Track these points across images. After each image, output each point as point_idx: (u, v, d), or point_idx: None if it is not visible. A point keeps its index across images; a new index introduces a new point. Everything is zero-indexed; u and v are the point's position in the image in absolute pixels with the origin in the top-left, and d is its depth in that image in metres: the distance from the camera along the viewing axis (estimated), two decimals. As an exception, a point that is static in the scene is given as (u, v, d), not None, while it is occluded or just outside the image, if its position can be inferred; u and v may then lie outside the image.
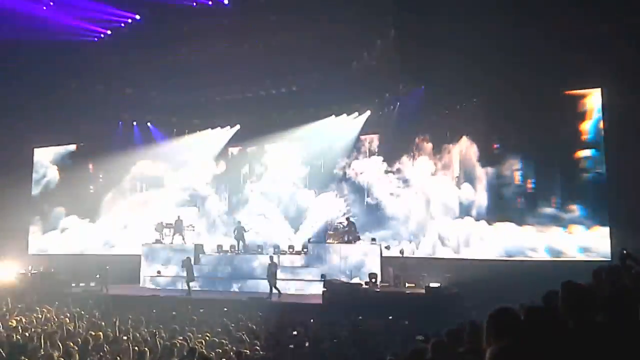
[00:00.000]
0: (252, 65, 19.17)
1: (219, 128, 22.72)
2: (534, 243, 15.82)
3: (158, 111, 21.97)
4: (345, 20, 16.95)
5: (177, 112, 22.02)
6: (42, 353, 7.57)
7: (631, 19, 13.02)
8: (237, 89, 20.86)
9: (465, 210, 17.42)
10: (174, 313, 13.00)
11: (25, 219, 24.93)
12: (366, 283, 16.03)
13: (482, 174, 17.20)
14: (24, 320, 11.88)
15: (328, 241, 18.62)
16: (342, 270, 17.54)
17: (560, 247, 15.43)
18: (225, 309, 13.78)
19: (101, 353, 8.02)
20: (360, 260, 17.57)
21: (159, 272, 20.21)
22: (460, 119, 17.75)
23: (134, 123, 23.66)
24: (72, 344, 8.43)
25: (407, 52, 17.06)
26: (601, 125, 15.31)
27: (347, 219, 18.90)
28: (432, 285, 14.86)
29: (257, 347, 8.71)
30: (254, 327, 11.17)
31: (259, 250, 19.62)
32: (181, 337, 9.12)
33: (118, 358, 7.77)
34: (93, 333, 9.22)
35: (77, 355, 7.80)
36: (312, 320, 11.96)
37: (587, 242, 15.02)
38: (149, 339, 9.12)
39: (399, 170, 19.26)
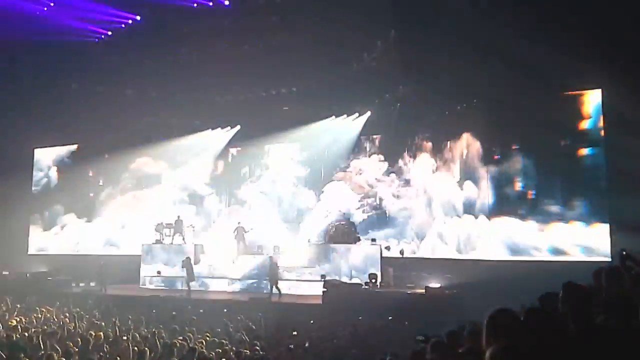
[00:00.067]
0: (252, 66, 19.16)
1: (219, 128, 22.71)
2: (535, 242, 15.84)
3: (158, 111, 21.97)
4: (345, 21, 16.93)
5: (177, 113, 22.03)
6: (42, 353, 7.56)
7: (631, 18, 13.02)
8: (237, 90, 20.85)
9: (465, 209, 17.43)
10: (174, 313, 13.00)
11: (25, 219, 24.93)
12: (366, 283, 16.03)
13: (483, 173, 17.22)
14: (24, 320, 11.89)
15: (328, 241, 18.62)
16: (342, 271, 17.54)
17: (561, 245, 15.45)
18: (225, 310, 13.79)
19: (101, 353, 8.02)
20: (360, 261, 17.57)
21: (159, 272, 20.21)
22: (460, 120, 17.76)
23: (134, 123, 23.65)
24: (71, 344, 8.45)
25: (407, 53, 17.07)
26: (601, 124, 15.33)
27: (347, 219, 18.90)
28: (432, 285, 14.87)
29: (257, 348, 8.72)
30: (254, 327, 11.18)
31: (259, 250, 19.63)
32: (181, 337, 9.13)
33: (118, 358, 7.77)
34: (93, 333, 9.23)
35: (77, 356, 7.81)
36: (312, 321, 11.97)
37: (588, 241, 15.04)
38: (148, 338, 9.12)
39: (399, 171, 19.27)
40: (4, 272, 20.61)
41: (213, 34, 19.06)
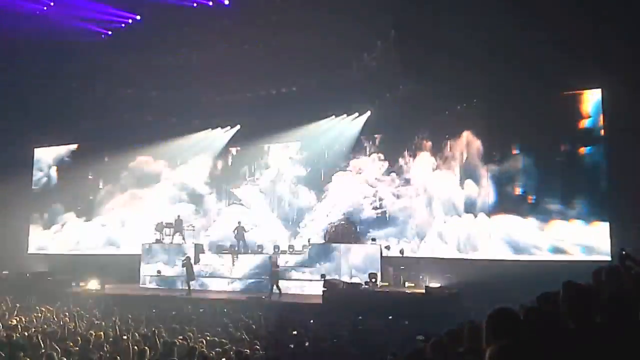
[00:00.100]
0: (252, 66, 19.17)
1: (219, 128, 22.73)
2: (535, 240, 15.84)
3: (158, 111, 21.97)
4: (345, 21, 16.95)
5: (177, 112, 22.03)
6: (42, 352, 7.57)
7: (631, 18, 13.03)
8: (237, 89, 20.85)
9: (465, 209, 17.43)
10: (174, 312, 13.02)
11: (25, 218, 24.95)
12: (366, 283, 16.05)
13: (483, 172, 17.22)
14: (24, 319, 11.89)
15: (328, 241, 18.63)
16: (342, 270, 17.56)
17: (562, 244, 15.45)
18: (225, 309, 13.80)
19: (101, 352, 8.02)
20: (360, 260, 17.58)
21: (159, 271, 20.23)
22: (460, 119, 17.76)
23: (134, 123, 23.66)
24: (72, 343, 8.45)
25: (407, 53, 17.07)
26: (601, 123, 15.34)
27: (347, 218, 18.91)
28: (432, 285, 14.89)
29: (257, 347, 8.72)
30: (254, 326, 11.19)
31: (259, 250, 19.65)
32: (181, 337, 9.13)
33: (118, 357, 7.77)
34: (93, 332, 9.23)
35: (77, 355, 7.82)
36: (312, 321, 11.98)
37: (588, 239, 15.04)
38: (149, 338, 9.12)
39: (399, 170, 19.28)
40: (4, 272, 20.63)
41: (213, 34, 19.07)
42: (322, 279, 16.55)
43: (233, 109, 21.28)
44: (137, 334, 9.48)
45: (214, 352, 7.99)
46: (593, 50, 13.48)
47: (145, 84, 21.25)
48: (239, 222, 20.18)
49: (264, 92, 20.66)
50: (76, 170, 24.44)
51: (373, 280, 16.11)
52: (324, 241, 18.87)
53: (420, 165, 18.80)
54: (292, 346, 8.63)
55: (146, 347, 7.93)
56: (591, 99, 15.65)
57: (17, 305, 14.27)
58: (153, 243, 20.84)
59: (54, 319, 12.20)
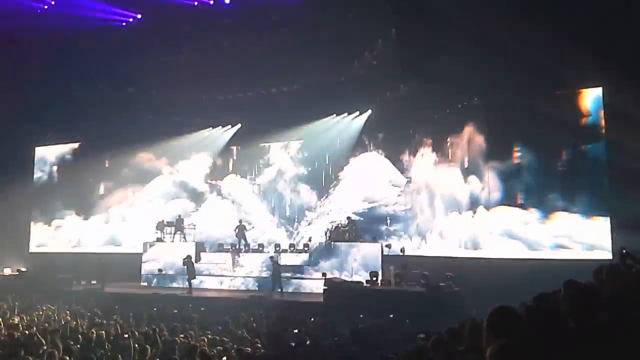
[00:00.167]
0: (253, 64, 19.18)
1: (220, 127, 22.75)
2: (537, 237, 15.81)
3: (159, 110, 21.98)
4: (346, 20, 16.94)
5: (178, 111, 22.04)
6: (44, 350, 7.58)
7: (631, 17, 13.00)
8: (238, 88, 20.87)
9: (466, 206, 17.40)
10: (175, 311, 13.04)
11: (26, 217, 24.98)
12: (367, 281, 16.05)
13: (484, 170, 17.19)
14: (25, 318, 11.92)
15: (329, 240, 18.64)
16: (343, 269, 17.57)
17: (563, 242, 15.43)
18: (226, 307, 13.81)
19: (102, 351, 8.04)
20: (361, 259, 17.59)
21: (160, 270, 20.26)
22: (461, 118, 17.74)
23: (135, 122, 23.68)
24: (73, 342, 8.46)
25: (408, 51, 17.05)
26: (602, 122, 15.32)
27: (348, 217, 18.92)
28: (433, 283, 14.87)
29: (258, 345, 8.73)
30: (255, 324, 11.20)
31: (260, 248, 19.66)
32: (182, 335, 9.15)
33: (119, 356, 7.78)
34: (94, 331, 9.25)
35: (78, 353, 7.83)
36: (312, 319, 11.98)
37: (590, 237, 15.00)
38: (150, 336, 9.14)
39: (400, 169, 19.27)
40: (4, 270, 20.68)
41: (214, 32, 19.06)
42: (323, 277, 16.57)
43: (234, 107, 21.28)
44: (138, 333, 9.50)
45: (215, 351, 7.99)
46: (593, 49, 13.45)
47: (147, 82, 21.26)
48: (240, 221, 20.21)
49: (264, 90, 20.67)
50: (77, 169, 24.46)
51: (374, 278, 16.12)
52: (325, 239, 18.87)
53: (422, 163, 18.79)
54: (293, 344, 8.63)
55: (147, 346, 7.95)
56: (592, 97, 15.63)
57: (17, 303, 14.30)
58: (154, 241, 20.86)
59: (55, 317, 12.23)
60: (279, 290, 16.65)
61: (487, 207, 16.87)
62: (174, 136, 22.88)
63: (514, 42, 14.26)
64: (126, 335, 9.00)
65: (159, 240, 20.89)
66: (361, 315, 12.11)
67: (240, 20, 18.47)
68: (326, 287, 15.23)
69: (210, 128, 22.84)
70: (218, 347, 8.29)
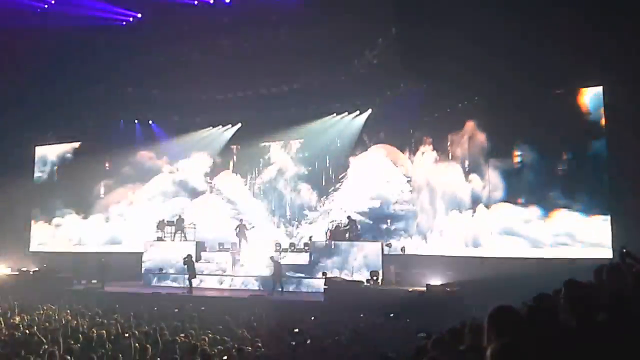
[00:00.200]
0: (253, 64, 19.17)
1: (220, 126, 22.75)
2: (538, 236, 15.81)
3: (160, 109, 21.97)
4: (346, 19, 16.92)
5: (178, 110, 22.04)
6: (45, 349, 7.59)
7: (631, 16, 12.99)
8: (238, 87, 20.87)
9: (466, 205, 17.40)
10: (175, 310, 13.04)
11: (26, 217, 24.98)
12: (367, 281, 16.06)
13: (485, 169, 17.18)
14: (26, 318, 11.92)
15: (329, 239, 18.64)
16: (343, 268, 17.56)
17: (564, 240, 15.42)
18: (227, 307, 13.80)
19: (103, 350, 8.04)
20: (361, 258, 17.59)
21: (160, 269, 20.26)
22: (462, 117, 17.73)
23: (136, 121, 23.71)
24: (73, 341, 8.47)
25: (409, 50, 17.04)
26: (602, 119, 15.31)
27: (348, 217, 18.92)
28: (434, 283, 14.88)
29: (259, 344, 8.74)
30: (256, 324, 11.20)
31: (260, 248, 19.63)
32: (183, 334, 9.15)
33: (120, 355, 7.78)
34: (95, 330, 9.25)
35: (79, 352, 7.83)
36: (313, 318, 11.98)
37: (590, 236, 15.00)
38: (150, 335, 9.14)
39: (401, 168, 19.27)
40: (5, 270, 20.68)
41: (214, 32, 19.05)
42: (324, 276, 16.57)
43: (234, 106, 21.29)
44: (138, 332, 9.50)
45: (215, 350, 8.00)
46: (593, 48, 13.44)
47: (147, 82, 21.26)
48: (241, 220, 20.21)
49: (265, 90, 20.66)
50: (77, 168, 24.46)
51: (374, 278, 16.12)
52: (325, 239, 18.88)
53: (422, 162, 18.79)
54: (293, 343, 8.63)
55: (148, 345, 7.96)
56: (592, 96, 15.61)
57: (16, 303, 14.29)
58: (155, 241, 20.86)
59: (56, 317, 12.23)
60: (280, 289, 16.65)
61: (488, 206, 16.85)
62: (174, 135, 22.87)
63: (514, 41, 14.26)
64: (127, 335, 9.01)
65: (160, 239, 20.88)
66: (361, 315, 12.12)
67: (240, 20, 18.46)
68: (326, 287, 15.24)
69: (211, 127, 22.84)
70: (219, 347, 8.30)
